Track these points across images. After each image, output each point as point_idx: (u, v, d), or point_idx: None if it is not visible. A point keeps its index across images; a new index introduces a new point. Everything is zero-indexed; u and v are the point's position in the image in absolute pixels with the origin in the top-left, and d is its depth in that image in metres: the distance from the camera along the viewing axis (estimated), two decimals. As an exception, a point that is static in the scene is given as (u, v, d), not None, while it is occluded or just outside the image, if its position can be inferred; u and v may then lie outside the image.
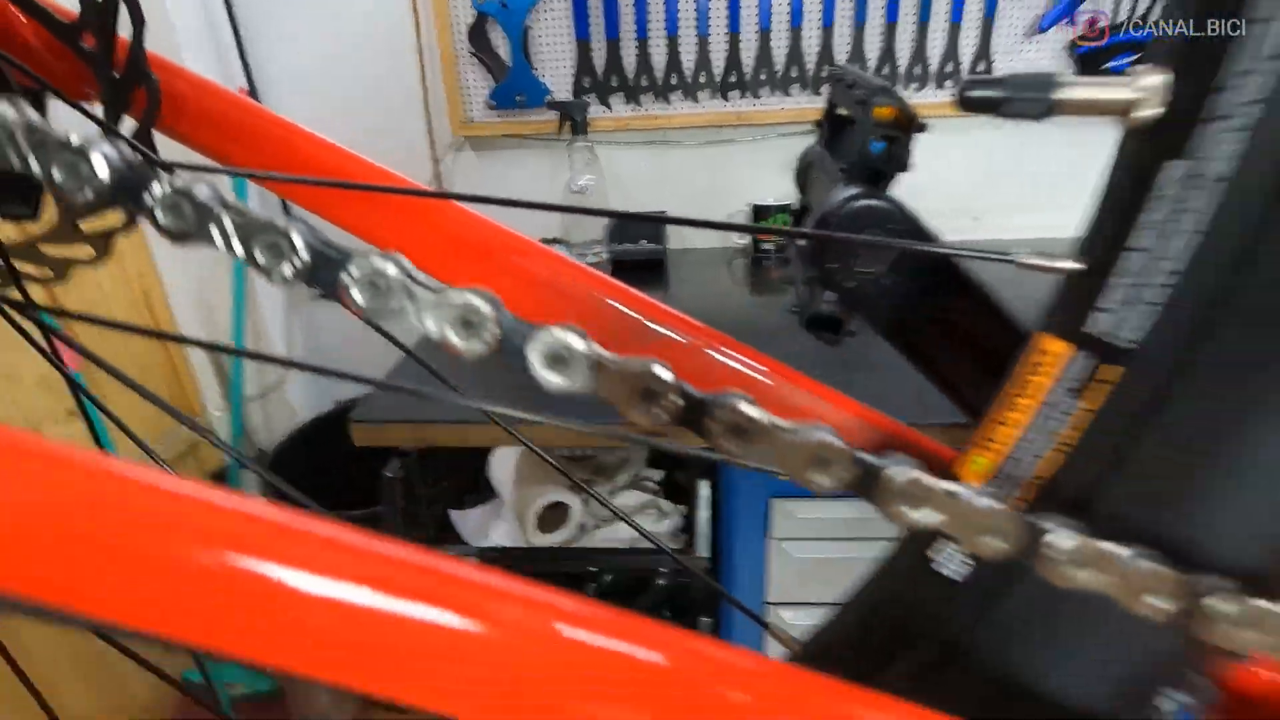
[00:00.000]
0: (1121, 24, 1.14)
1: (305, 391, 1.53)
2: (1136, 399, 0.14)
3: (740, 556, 0.94)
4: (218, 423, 1.55)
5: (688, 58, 1.21)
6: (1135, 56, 1.17)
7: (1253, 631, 0.13)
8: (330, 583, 0.13)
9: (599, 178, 1.22)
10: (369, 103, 1.27)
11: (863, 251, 0.21)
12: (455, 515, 1.16)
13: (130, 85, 0.22)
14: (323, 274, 0.17)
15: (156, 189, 0.16)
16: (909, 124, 0.22)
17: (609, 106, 1.26)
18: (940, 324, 0.21)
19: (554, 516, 1.08)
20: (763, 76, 1.21)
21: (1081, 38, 1.15)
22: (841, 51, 1.19)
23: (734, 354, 0.25)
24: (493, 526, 1.13)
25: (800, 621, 0.96)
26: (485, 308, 0.17)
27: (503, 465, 1.18)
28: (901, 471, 0.15)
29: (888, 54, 1.18)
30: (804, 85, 1.22)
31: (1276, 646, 0.14)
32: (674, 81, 1.23)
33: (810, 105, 1.23)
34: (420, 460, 0.99)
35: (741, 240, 1.32)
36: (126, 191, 0.16)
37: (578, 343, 0.17)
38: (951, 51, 1.17)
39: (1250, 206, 0.14)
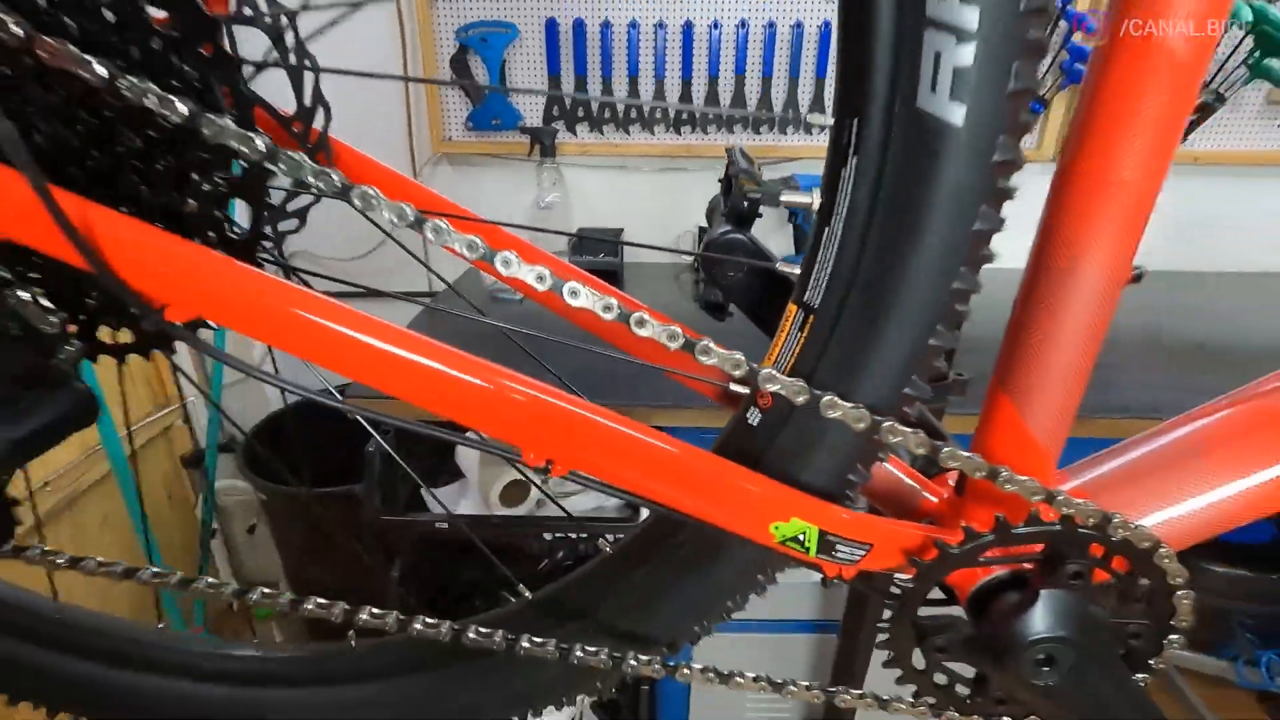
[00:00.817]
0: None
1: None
2: (820, 332, 0.29)
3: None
4: (193, 409, 1.64)
5: (646, 95, 1.38)
6: (1193, 116, 1.38)
7: (895, 438, 0.29)
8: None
9: (564, 196, 1.38)
10: (356, 116, 1.39)
11: (730, 262, 0.37)
12: (427, 493, 1.28)
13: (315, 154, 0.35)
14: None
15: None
16: (759, 191, 0.38)
17: (575, 133, 1.42)
18: (768, 303, 0.37)
19: (515, 493, 1.21)
20: (710, 115, 1.39)
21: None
22: (779, 97, 1.37)
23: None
24: (460, 503, 1.26)
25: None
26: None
27: (468, 451, 1.31)
28: (739, 366, 0.30)
29: (818, 100, 1.37)
30: (745, 125, 1.40)
31: (916, 446, 0.29)
32: (633, 115, 1.40)
33: (751, 142, 1.41)
34: (395, 442, 1.11)
35: (688, 258, 1.49)
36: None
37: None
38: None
39: (856, 220, 0.28)
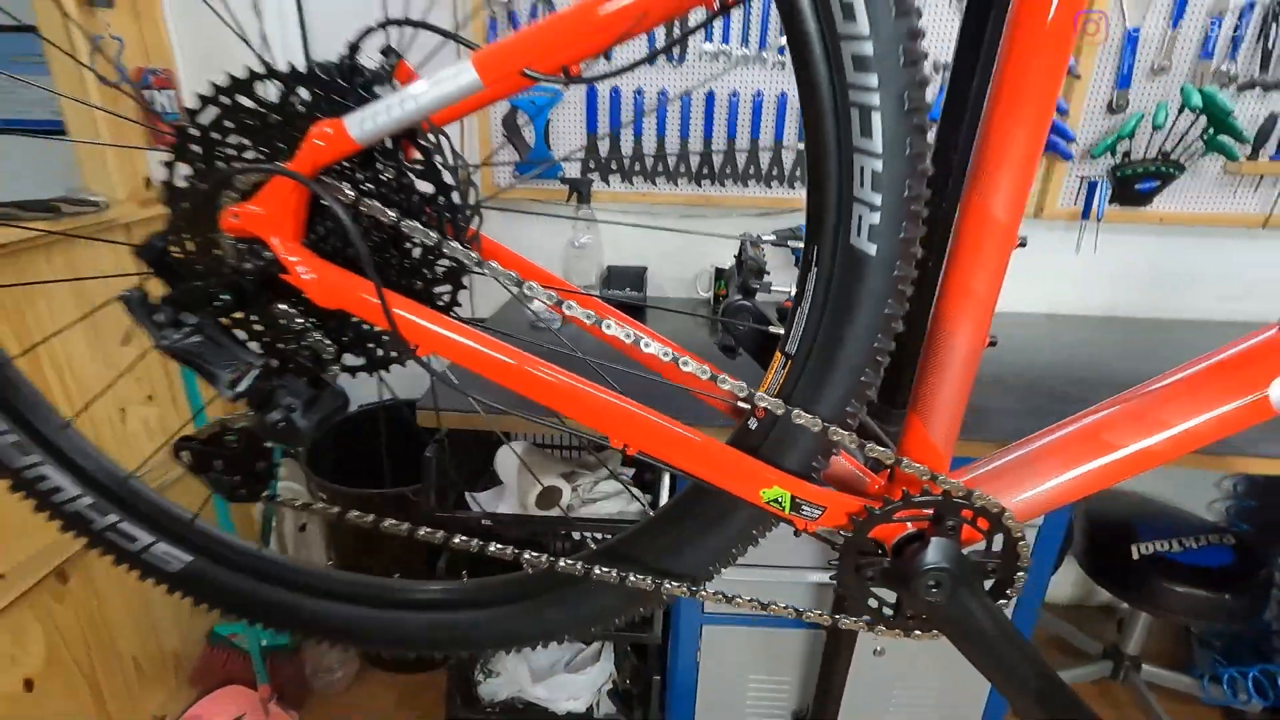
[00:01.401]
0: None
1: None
2: (794, 371, 0.46)
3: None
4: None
5: (671, 151, 1.58)
6: (1157, 183, 1.54)
7: (836, 438, 0.46)
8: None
9: (596, 237, 1.57)
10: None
11: (738, 321, 0.55)
12: (469, 497, 1.46)
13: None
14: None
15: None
16: (759, 272, 0.55)
17: (608, 183, 1.62)
18: (765, 348, 0.54)
19: (548, 498, 1.39)
20: (727, 170, 1.58)
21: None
22: (789, 157, 1.56)
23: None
24: (499, 506, 1.43)
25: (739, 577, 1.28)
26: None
27: (505, 459, 1.49)
28: (744, 390, 0.47)
29: (822, 162, 1.56)
30: (759, 180, 1.59)
31: (850, 443, 0.46)
32: (659, 169, 1.59)
33: (762, 195, 1.60)
34: (446, 449, 1.29)
35: (705, 292, 1.67)
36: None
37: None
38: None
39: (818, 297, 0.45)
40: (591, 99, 1.54)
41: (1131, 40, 1.45)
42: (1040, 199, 1.60)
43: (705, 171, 1.59)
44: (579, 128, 1.57)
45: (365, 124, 0.38)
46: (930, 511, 0.47)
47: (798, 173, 1.57)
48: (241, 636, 1.67)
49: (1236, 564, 1.53)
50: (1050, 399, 1.20)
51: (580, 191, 1.54)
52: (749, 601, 0.56)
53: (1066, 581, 2.08)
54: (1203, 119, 1.46)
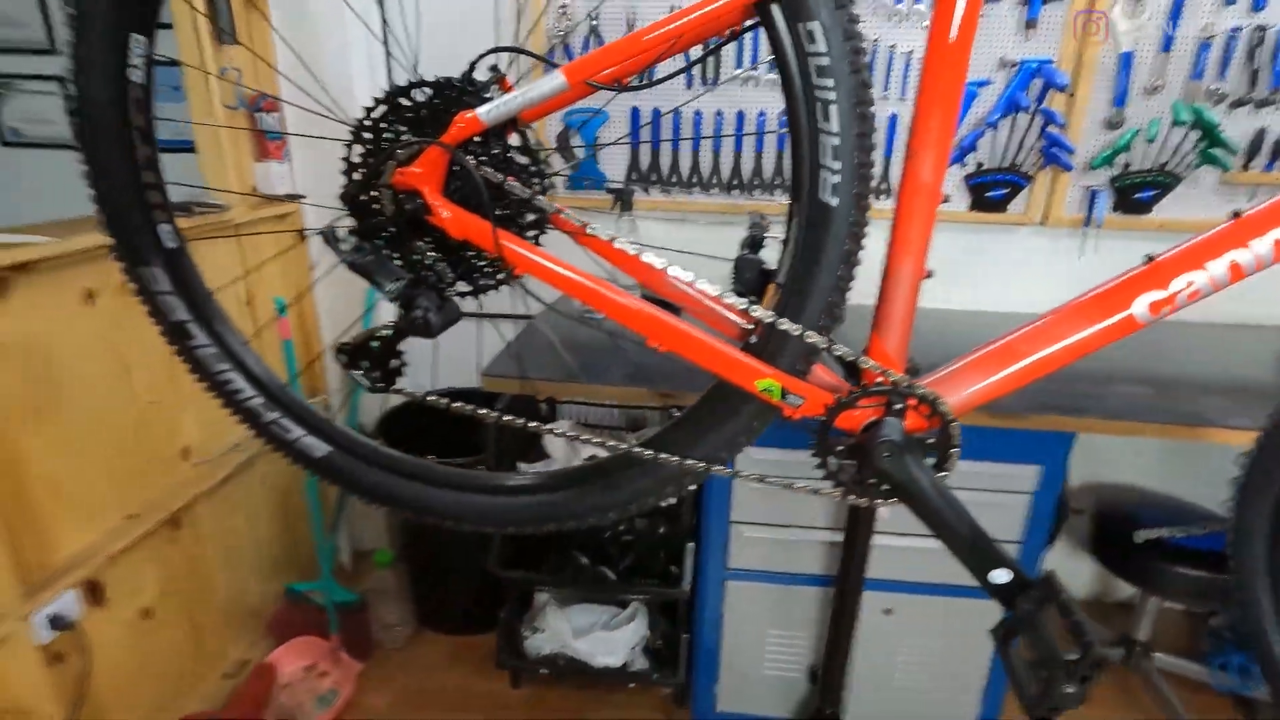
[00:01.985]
0: (998, 167, 1.69)
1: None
2: (782, 295, 0.62)
3: (715, 489, 1.42)
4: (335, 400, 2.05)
5: (705, 164, 1.77)
6: (1007, 190, 1.72)
7: (810, 340, 0.62)
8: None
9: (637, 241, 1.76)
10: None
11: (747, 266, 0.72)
12: (520, 466, 1.65)
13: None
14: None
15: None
16: (762, 238, 0.73)
17: (648, 192, 1.81)
18: (762, 285, 0.72)
19: (591, 465, 1.56)
20: (756, 181, 1.77)
21: (970, 174, 1.71)
22: (810, 169, 1.74)
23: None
24: (547, 472, 1.61)
25: (759, 535, 1.43)
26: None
27: (555, 446, 1.67)
28: (744, 307, 0.64)
29: (841, 173, 1.73)
30: (783, 189, 1.77)
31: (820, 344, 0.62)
32: (694, 180, 1.78)
33: (785, 201, 1.77)
34: (500, 430, 1.48)
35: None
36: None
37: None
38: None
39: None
40: (635, 119, 1.75)
41: (1126, 63, 1.60)
42: (1046, 207, 1.75)
43: (735, 182, 1.78)
44: (623, 145, 1.78)
45: (490, 112, 0.57)
46: (883, 400, 0.63)
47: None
48: (316, 593, 1.88)
49: None
50: (1077, 379, 1.32)
51: (623, 200, 1.74)
52: (773, 480, 0.72)
53: (1085, 576, 2.16)
54: (1195, 133, 1.60)
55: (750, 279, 0.72)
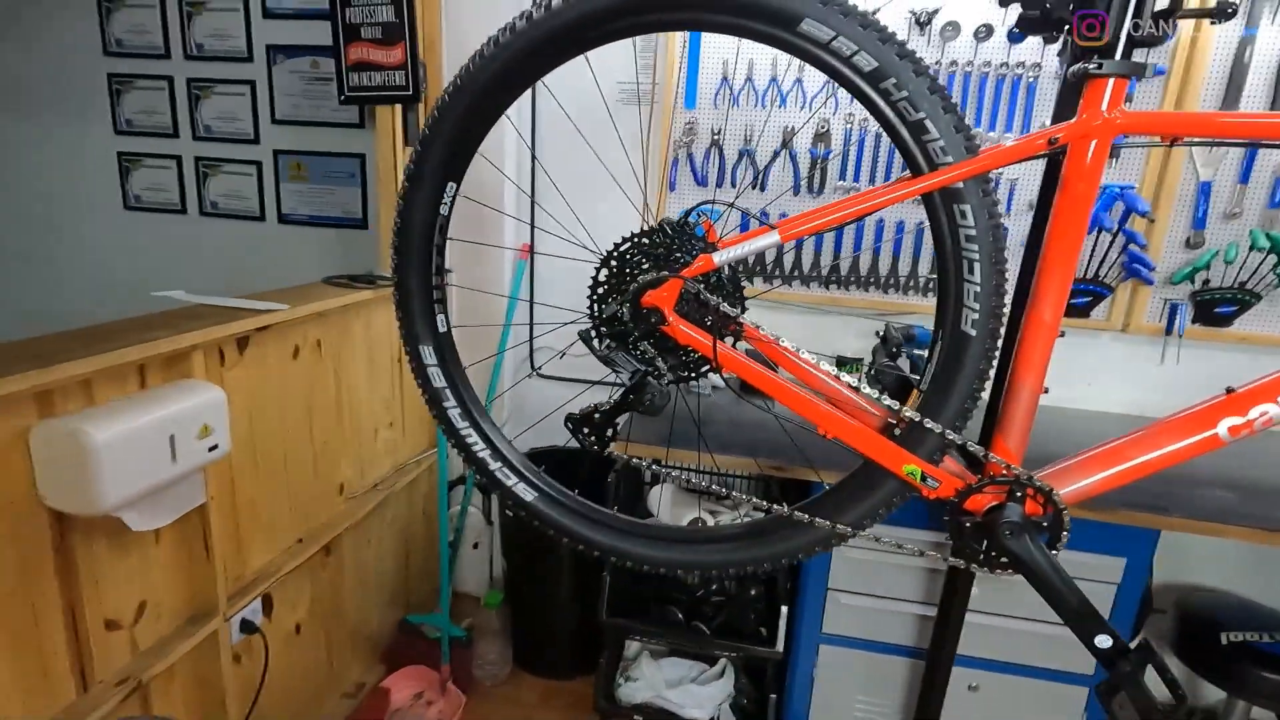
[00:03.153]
0: (1082, 278, 1.84)
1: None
2: (925, 400, 0.79)
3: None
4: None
5: (806, 260, 1.98)
6: (1089, 299, 1.86)
7: (950, 439, 0.78)
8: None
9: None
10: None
11: (889, 370, 0.90)
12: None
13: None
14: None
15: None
16: (900, 345, 0.91)
17: (752, 282, 2.03)
18: (904, 390, 0.88)
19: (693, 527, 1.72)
20: (851, 278, 1.96)
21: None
22: (904, 269, 1.92)
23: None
24: (654, 530, 1.78)
25: (854, 603, 1.55)
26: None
27: (655, 495, 1.85)
28: (897, 408, 0.81)
29: (923, 272, 1.91)
30: (876, 285, 1.95)
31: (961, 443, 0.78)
32: (794, 274, 1.99)
33: (881, 298, 1.95)
34: (619, 479, 1.67)
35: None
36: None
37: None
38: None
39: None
40: (745, 216, 1.98)
41: (1205, 191, 1.75)
42: (1127, 316, 1.88)
43: (833, 278, 1.98)
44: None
45: (721, 257, 0.78)
46: (1005, 488, 0.79)
47: (907, 282, 1.92)
48: (429, 626, 2.06)
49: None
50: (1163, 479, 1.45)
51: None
52: (885, 543, 0.88)
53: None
54: (1273, 257, 1.72)
55: (889, 382, 0.90)
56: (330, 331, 1.71)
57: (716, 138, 1.98)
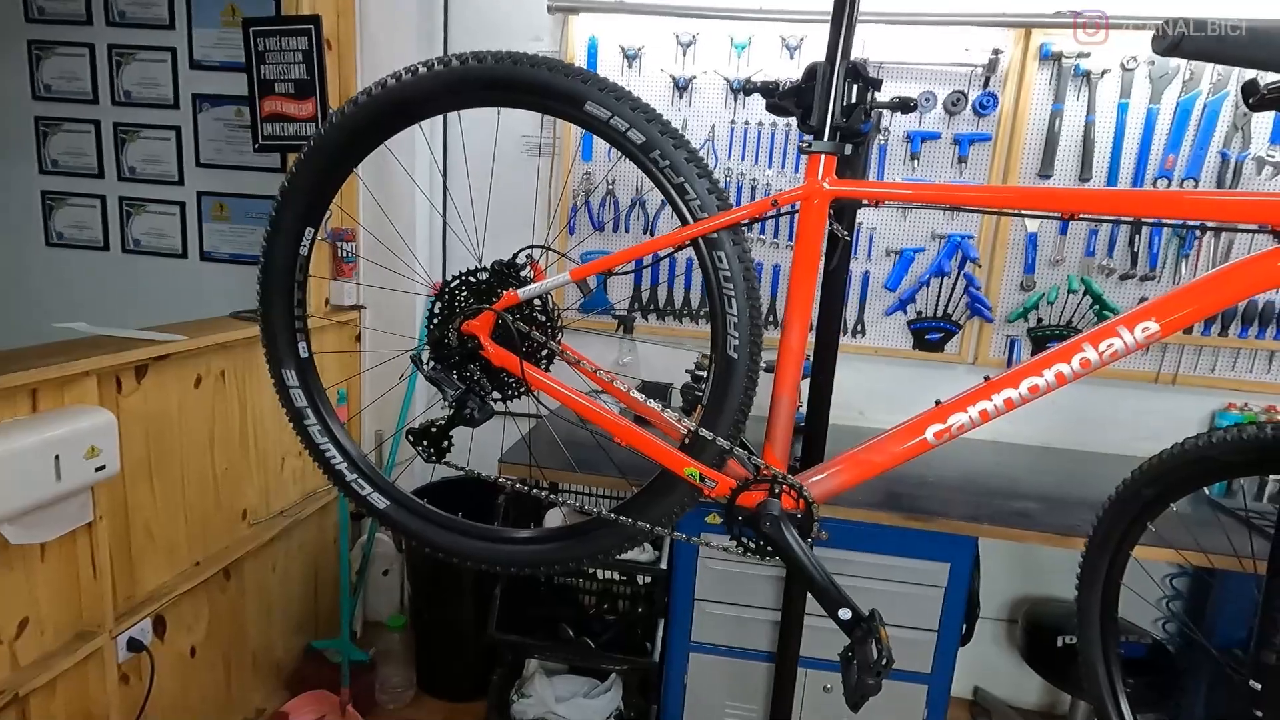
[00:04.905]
0: (934, 315, 2.06)
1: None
2: (705, 416, 0.95)
3: (682, 571, 1.69)
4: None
5: (695, 298, 2.16)
6: (941, 334, 2.08)
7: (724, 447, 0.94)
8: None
9: (635, 359, 2.13)
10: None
11: (685, 395, 1.06)
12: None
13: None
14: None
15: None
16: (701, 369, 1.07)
17: (646, 319, 2.20)
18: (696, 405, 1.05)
19: (582, 545, 1.84)
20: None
21: (911, 320, 2.08)
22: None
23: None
24: (544, 549, 1.89)
25: (719, 612, 1.68)
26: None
27: (553, 516, 1.97)
28: (683, 421, 0.97)
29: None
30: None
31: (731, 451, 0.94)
32: (684, 310, 2.17)
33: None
34: (510, 502, 1.79)
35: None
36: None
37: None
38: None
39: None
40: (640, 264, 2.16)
41: (1032, 241, 2.00)
42: (976, 349, 2.10)
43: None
44: (628, 280, 2.19)
45: (526, 292, 0.94)
46: (767, 486, 0.94)
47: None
48: (332, 650, 2.11)
49: (1148, 656, 1.83)
50: (978, 493, 1.64)
51: (626, 325, 2.12)
52: (695, 541, 1.02)
53: (1034, 688, 2.33)
54: (1088, 298, 1.97)
55: (689, 400, 1.06)
56: (235, 362, 1.81)
57: (610, 187, 2.17)
